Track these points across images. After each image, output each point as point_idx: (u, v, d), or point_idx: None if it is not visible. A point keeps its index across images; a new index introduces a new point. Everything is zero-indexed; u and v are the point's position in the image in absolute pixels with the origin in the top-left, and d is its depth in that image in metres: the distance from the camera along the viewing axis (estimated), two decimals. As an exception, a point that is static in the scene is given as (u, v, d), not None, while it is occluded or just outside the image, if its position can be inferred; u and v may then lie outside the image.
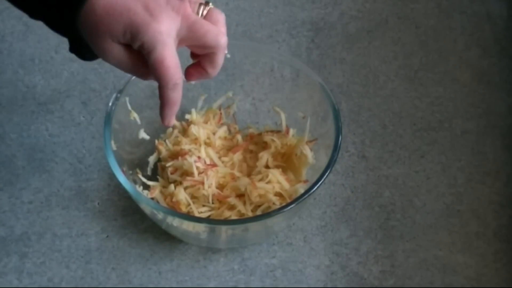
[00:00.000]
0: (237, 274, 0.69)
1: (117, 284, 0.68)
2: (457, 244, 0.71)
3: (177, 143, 0.72)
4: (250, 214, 0.67)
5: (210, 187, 0.67)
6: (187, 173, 0.69)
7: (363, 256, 0.70)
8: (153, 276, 0.68)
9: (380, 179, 0.75)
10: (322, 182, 0.63)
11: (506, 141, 0.77)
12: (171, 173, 0.70)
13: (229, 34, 0.57)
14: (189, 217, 0.65)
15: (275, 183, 0.68)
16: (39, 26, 0.55)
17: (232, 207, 0.68)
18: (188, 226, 0.64)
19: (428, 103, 0.81)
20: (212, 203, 0.68)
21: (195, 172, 0.68)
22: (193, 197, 0.68)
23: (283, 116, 0.73)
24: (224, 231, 0.65)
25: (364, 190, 0.74)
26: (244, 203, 0.67)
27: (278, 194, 0.68)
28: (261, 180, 0.68)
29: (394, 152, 0.77)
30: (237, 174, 0.70)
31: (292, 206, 0.63)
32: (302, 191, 0.66)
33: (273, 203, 0.67)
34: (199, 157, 0.69)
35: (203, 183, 0.67)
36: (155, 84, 0.55)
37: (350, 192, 0.74)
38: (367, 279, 0.68)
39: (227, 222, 0.66)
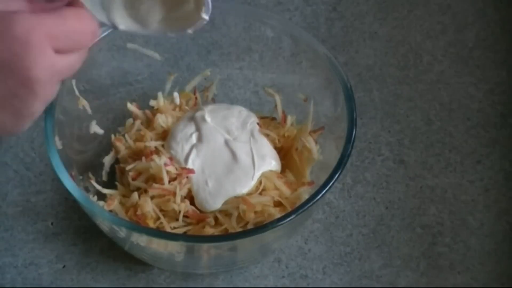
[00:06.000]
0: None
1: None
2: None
3: (139, 138, 0.67)
4: (237, 228, 0.63)
5: (183, 201, 0.62)
6: (154, 179, 0.64)
7: (402, 293, 0.67)
8: (123, 315, 0.66)
9: (423, 192, 0.71)
10: (333, 184, 0.59)
11: None
12: (133, 179, 0.65)
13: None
14: (161, 233, 0.60)
15: (271, 190, 0.63)
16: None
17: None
18: (159, 245, 0.60)
19: (486, 91, 0.77)
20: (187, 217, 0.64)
21: (165, 178, 0.63)
22: (161, 210, 0.64)
23: (278, 99, 0.69)
24: (206, 251, 0.62)
25: (403, 205, 0.70)
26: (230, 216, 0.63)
27: (277, 202, 0.64)
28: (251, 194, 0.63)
29: (441, 156, 0.73)
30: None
31: (292, 217, 0.57)
32: (306, 196, 0.62)
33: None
34: (170, 158, 0.64)
35: (174, 194, 0.63)
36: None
37: (383, 209, 0.70)
38: (407, 323, 0.66)
39: (209, 239, 0.61)
